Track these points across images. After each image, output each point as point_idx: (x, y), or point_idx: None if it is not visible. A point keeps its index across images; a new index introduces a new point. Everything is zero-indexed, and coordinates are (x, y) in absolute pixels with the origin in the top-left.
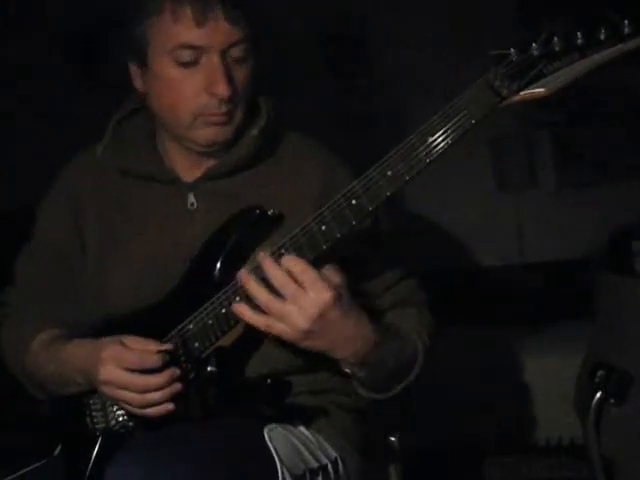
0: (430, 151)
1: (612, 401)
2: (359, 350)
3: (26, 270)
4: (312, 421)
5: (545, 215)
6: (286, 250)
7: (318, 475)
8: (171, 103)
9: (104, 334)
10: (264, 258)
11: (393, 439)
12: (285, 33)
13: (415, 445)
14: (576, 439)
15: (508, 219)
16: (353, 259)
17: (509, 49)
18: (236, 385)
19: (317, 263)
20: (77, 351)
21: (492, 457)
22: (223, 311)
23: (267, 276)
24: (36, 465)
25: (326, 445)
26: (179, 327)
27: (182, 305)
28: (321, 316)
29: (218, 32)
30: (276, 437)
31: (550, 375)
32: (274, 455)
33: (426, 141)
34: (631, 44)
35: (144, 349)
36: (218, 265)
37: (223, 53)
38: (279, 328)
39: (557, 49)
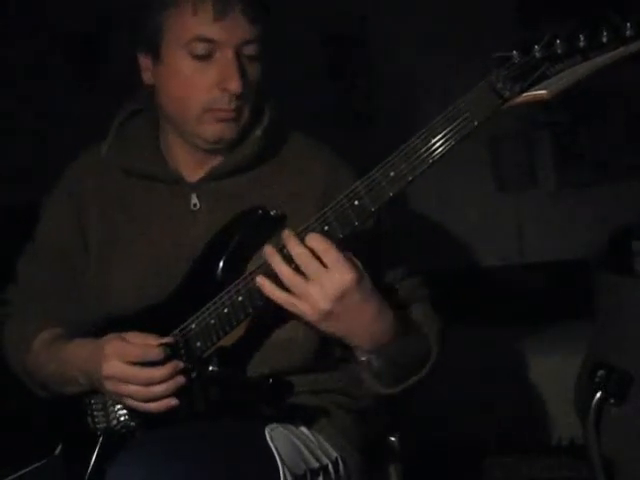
0: (432, 152)
1: (612, 401)
2: (379, 338)
3: (29, 269)
4: (313, 421)
5: (545, 215)
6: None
7: (319, 475)
8: (181, 96)
9: (106, 333)
10: (289, 236)
11: (393, 439)
12: (285, 33)
13: (415, 445)
14: (576, 439)
15: (508, 219)
16: None
17: (511, 51)
18: (237, 385)
19: None
20: (78, 351)
21: (492, 457)
22: (225, 311)
23: (290, 253)
24: (36, 465)
25: (327, 445)
26: (181, 327)
27: (184, 305)
28: (342, 297)
29: (235, 28)
30: (277, 437)
31: (550, 375)
32: (275, 455)
33: (429, 142)
34: (633, 47)
35: (145, 343)
36: (221, 265)
37: (237, 50)
38: (300, 306)
39: (559, 51)
